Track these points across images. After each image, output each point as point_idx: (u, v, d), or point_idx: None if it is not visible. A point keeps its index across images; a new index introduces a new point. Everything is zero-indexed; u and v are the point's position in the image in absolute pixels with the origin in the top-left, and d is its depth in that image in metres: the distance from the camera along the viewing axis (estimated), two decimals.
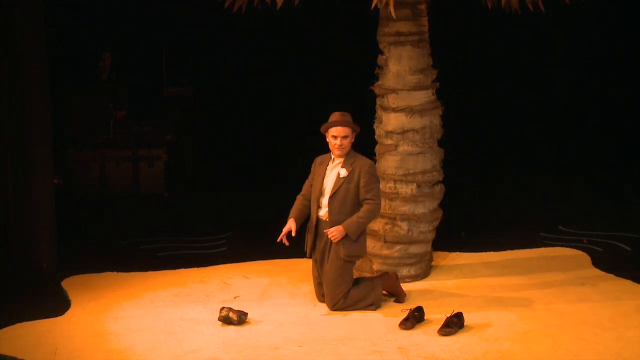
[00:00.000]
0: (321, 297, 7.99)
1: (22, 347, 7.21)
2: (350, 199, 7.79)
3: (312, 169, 8.05)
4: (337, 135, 7.77)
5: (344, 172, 7.81)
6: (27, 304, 8.05)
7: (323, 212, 7.87)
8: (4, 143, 8.57)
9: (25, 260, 8.66)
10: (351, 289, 7.83)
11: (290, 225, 7.90)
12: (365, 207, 7.76)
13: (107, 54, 11.86)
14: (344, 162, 7.83)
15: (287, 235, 7.90)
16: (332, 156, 7.91)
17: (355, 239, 7.77)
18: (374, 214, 7.82)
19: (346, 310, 7.78)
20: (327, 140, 7.86)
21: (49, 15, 8.71)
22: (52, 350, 7.15)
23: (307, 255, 8.04)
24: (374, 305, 7.86)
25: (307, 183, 8.06)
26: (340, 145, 7.78)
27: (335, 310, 7.78)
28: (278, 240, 7.91)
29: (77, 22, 12.19)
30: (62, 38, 11.85)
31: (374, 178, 7.83)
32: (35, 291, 8.37)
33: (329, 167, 7.90)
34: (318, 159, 8.03)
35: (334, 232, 7.74)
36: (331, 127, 7.79)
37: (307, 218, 8.03)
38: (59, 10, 11.22)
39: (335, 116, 7.83)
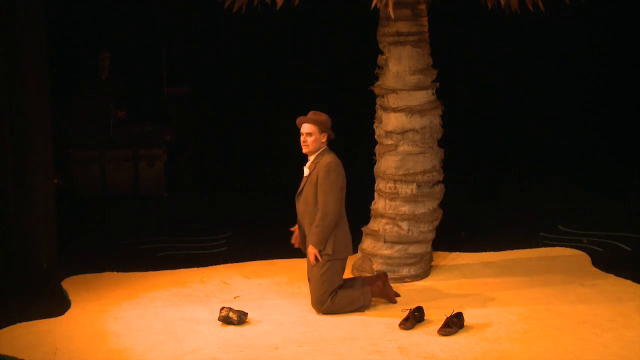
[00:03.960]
0: None
1: (22, 347, 7.21)
2: (311, 198, 7.74)
3: None
4: (302, 131, 7.77)
5: (306, 172, 7.82)
6: (27, 304, 8.05)
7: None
8: (4, 143, 8.57)
9: (25, 260, 8.66)
10: (340, 290, 7.77)
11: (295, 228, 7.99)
12: (318, 215, 7.68)
13: (107, 54, 11.87)
14: (312, 161, 7.81)
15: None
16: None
17: (326, 243, 7.70)
18: (327, 217, 7.65)
19: (335, 314, 7.72)
20: None
21: (49, 15, 8.71)
22: (52, 350, 7.15)
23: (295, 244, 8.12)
24: (364, 308, 7.82)
25: None
26: (304, 141, 7.75)
27: (323, 313, 7.70)
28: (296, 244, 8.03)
29: (77, 22, 12.19)
30: (62, 38, 11.85)
31: (329, 177, 7.66)
32: (35, 291, 8.37)
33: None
34: None
35: (310, 256, 7.73)
36: (299, 122, 7.80)
37: None
38: (59, 10, 11.21)
39: (308, 113, 7.84)
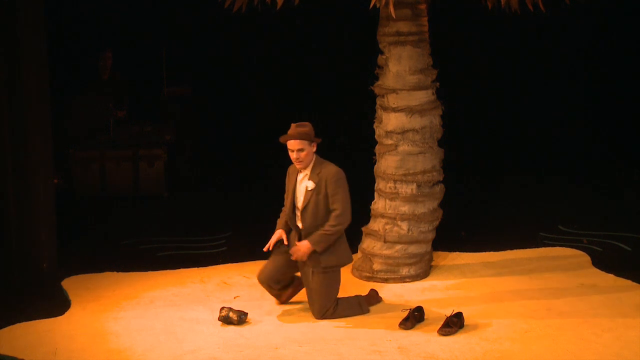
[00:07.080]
0: (269, 281, 7.79)
1: (22, 347, 7.21)
2: (321, 209, 7.62)
3: (286, 179, 7.87)
4: (292, 149, 7.57)
5: (311, 185, 7.62)
6: (27, 304, 8.06)
7: (300, 223, 7.76)
8: (4, 143, 8.57)
9: (25, 260, 8.66)
10: (339, 300, 7.72)
11: (280, 234, 7.81)
12: (329, 222, 7.60)
13: (108, 54, 11.87)
14: (310, 173, 7.63)
15: (280, 243, 7.80)
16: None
17: (326, 250, 7.61)
18: (340, 225, 7.61)
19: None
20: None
21: (49, 15, 8.71)
22: (52, 350, 7.15)
23: (265, 249, 7.81)
24: (363, 313, 7.80)
25: (286, 195, 7.89)
26: (297, 158, 7.57)
27: (323, 319, 7.66)
28: (265, 249, 7.79)
29: (77, 22, 12.20)
30: (62, 38, 11.86)
31: (340, 187, 7.61)
32: (35, 291, 8.37)
33: (298, 178, 7.72)
34: (291, 168, 7.82)
35: (299, 252, 7.60)
36: (285, 140, 7.60)
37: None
38: (59, 10, 11.22)
39: (290, 128, 7.60)
